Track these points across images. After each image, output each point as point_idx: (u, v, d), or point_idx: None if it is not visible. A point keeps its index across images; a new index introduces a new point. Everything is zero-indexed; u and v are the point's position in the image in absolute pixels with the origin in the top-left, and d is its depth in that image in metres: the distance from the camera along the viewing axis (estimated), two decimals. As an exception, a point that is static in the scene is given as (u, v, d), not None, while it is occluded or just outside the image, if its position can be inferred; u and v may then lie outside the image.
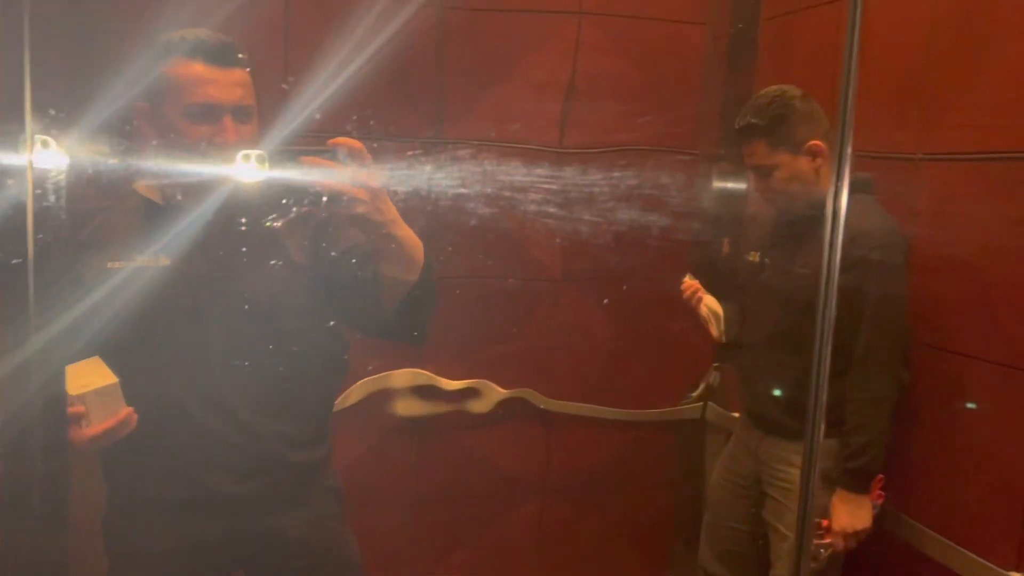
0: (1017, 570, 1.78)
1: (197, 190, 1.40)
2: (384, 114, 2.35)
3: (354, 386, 2.46)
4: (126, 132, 1.41)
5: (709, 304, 2.19)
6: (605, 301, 2.69)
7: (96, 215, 1.45)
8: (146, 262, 1.41)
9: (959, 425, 1.94)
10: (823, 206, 1.98)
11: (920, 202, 2.04)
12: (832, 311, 0.88)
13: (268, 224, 1.45)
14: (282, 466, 1.52)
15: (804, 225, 2.03)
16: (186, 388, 1.43)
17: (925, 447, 2.04)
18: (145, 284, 1.40)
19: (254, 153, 1.25)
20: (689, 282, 2.23)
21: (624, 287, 2.66)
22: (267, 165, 1.24)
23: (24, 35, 0.86)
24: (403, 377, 2.54)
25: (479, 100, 2.50)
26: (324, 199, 1.26)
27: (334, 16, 2.23)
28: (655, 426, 2.81)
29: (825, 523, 1.97)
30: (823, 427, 0.97)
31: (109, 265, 1.40)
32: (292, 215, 1.43)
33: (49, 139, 1.05)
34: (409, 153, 2.40)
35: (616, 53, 2.57)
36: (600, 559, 2.86)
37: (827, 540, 1.96)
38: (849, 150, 0.84)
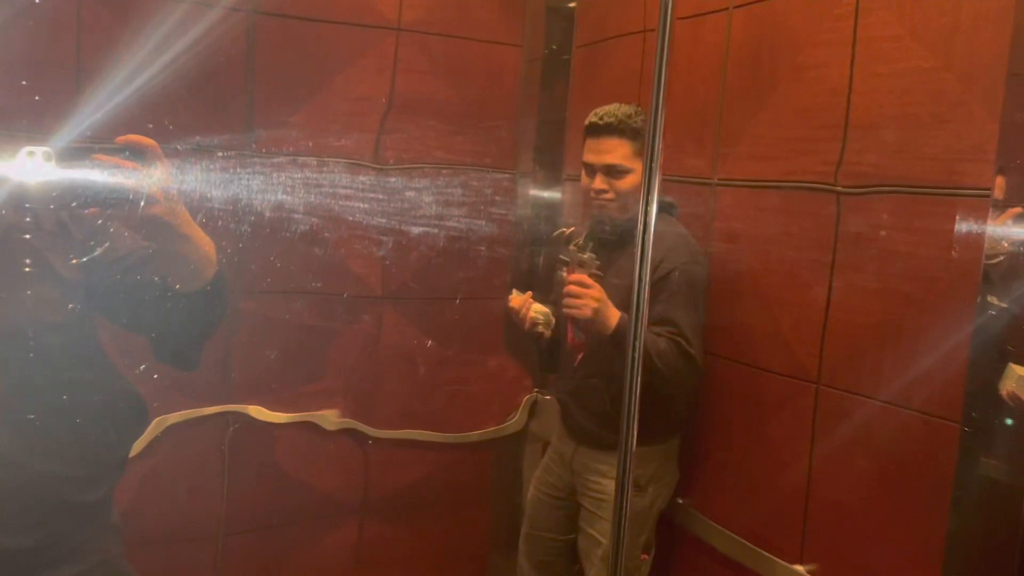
0: (800, 562, 1.95)
1: (49, 194, 1.22)
2: (188, 120, 2.25)
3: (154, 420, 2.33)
4: None
5: (538, 309, 2.23)
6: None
7: None
8: None
9: (750, 431, 2.10)
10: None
11: (715, 224, 2.20)
12: (643, 325, 0.93)
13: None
14: (65, 512, 1.38)
15: (618, 239, 2.12)
16: None
17: (720, 452, 2.19)
18: None
19: (39, 150, 1.13)
20: (517, 297, 2.25)
21: (456, 302, 2.67)
22: (54, 162, 1.14)
23: None
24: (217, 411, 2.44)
25: (294, 111, 2.44)
26: (116, 200, 1.18)
27: (130, 17, 2.12)
28: (472, 442, 2.84)
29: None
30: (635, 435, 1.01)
31: None
32: (79, 219, 1.32)
33: None
34: (218, 161, 2.31)
35: (433, 71, 2.59)
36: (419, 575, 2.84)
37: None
38: (659, 171, 0.90)
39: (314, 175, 2.40)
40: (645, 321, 0.95)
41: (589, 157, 2.09)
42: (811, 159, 1.92)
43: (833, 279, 1.87)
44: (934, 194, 1.65)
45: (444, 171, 2.59)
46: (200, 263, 1.32)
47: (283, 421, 2.53)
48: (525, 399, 2.88)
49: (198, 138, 2.27)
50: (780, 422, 2.01)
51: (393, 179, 2.52)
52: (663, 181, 2.17)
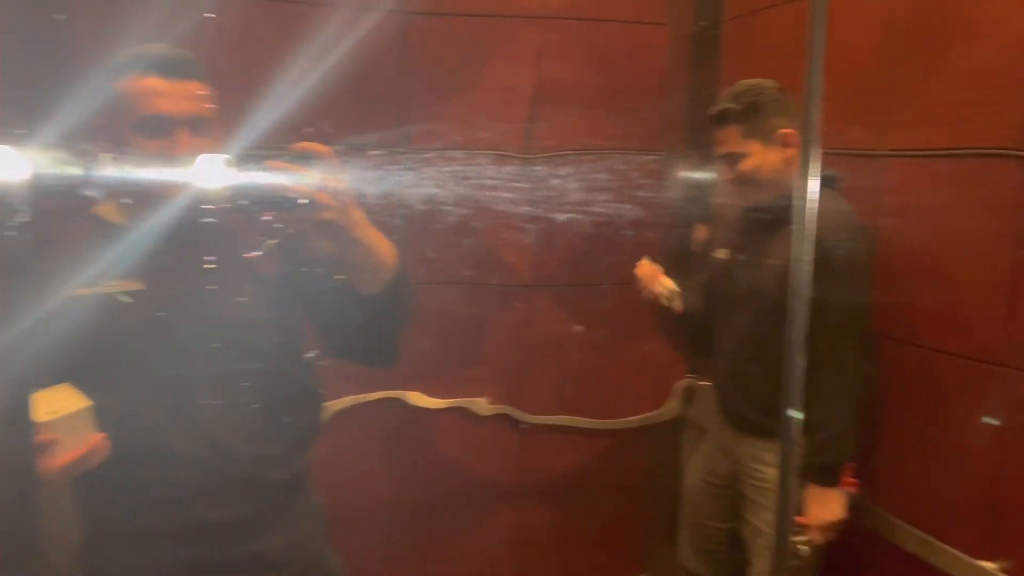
0: (991, 559, 1.80)
1: (158, 207, 1.32)
2: (346, 121, 2.33)
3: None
4: (84, 152, 1.35)
5: (664, 283, 2.18)
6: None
7: (58, 241, 1.41)
8: (113, 287, 1.36)
9: (928, 417, 1.96)
10: (792, 197, 2.00)
11: (884, 197, 2.07)
12: (804, 307, 0.87)
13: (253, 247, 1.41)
14: (262, 488, 1.48)
15: (771, 218, 2.04)
16: (161, 415, 1.38)
17: (896, 441, 2.06)
18: (114, 309, 1.35)
19: (218, 157, 1.20)
20: (646, 266, 2.21)
21: (602, 288, 2.66)
22: (232, 168, 1.19)
23: None
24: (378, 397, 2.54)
25: (443, 106, 2.49)
26: (291, 205, 1.22)
27: (293, 26, 2.21)
28: (626, 429, 2.81)
29: (801, 520, 1.98)
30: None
31: (78, 292, 1.34)
32: (260, 224, 1.40)
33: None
34: (373, 159, 2.38)
35: (579, 57, 2.57)
36: (577, 561, 2.85)
37: (805, 537, 1.97)
38: (818, 144, 0.84)
39: (463, 167, 2.43)
40: (806, 310, 0.89)
41: (717, 149, 2.09)
42: (989, 123, 1.76)
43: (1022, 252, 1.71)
44: None
45: (591, 157, 2.57)
46: (375, 267, 1.36)
47: (440, 407, 2.60)
48: (679, 385, 2.82)
49: (354, 138, 2.35)
50: (962, 408, 1.86)
51: (540, 167, 2.52)
52: (825, 154, 2.07)
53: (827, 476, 1.95)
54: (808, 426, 1.92)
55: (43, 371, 1.26)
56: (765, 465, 2.08)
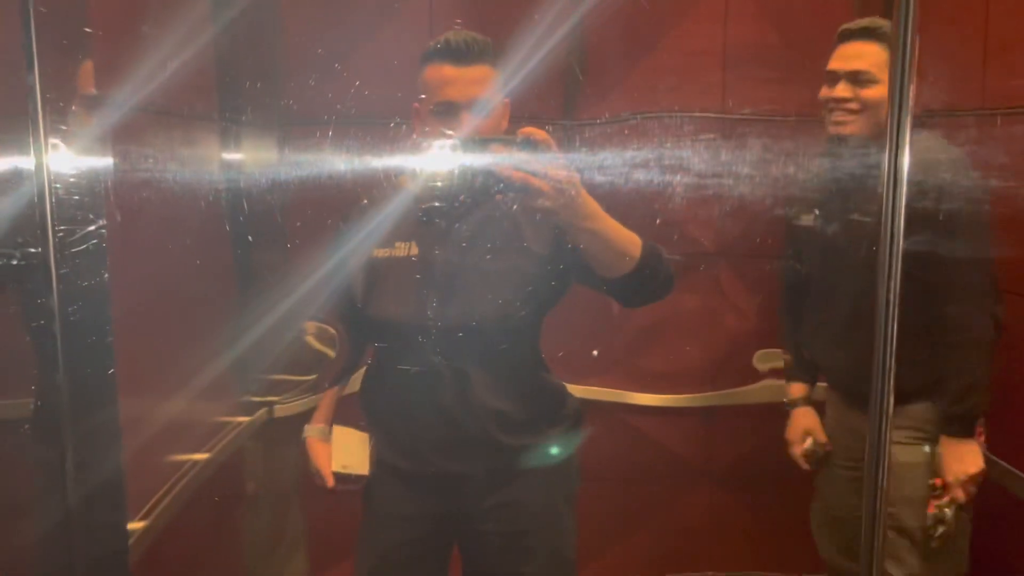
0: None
1: (451, 181, 1.40)
2: (539, 92, 2.31)
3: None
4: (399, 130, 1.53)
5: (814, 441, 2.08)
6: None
7: (363, 205, 1.57)
8: (402, 250, 1.54)
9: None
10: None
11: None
12: (897, 279, 0.83)
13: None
14: (495, 448, 1.56)
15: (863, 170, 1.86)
16: (417, 370, 1.53)
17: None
18: (399, 268, 1.53)
19: (447, 142, 1.33)
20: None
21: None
22: (458, 152, 1.31)
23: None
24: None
25: (628, 71, 2.43)
26: (512, 190, 1.28)
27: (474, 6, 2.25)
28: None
29: (939, 481, 1.88)
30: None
31: (375, 254, 1.54)
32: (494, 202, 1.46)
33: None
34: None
35: (762, 18, 2.43)
36: (770, 544, 2.69)
37: (946, 498, 1.85)
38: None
39: (645, 135, 2.38)
40: (899, 277, 0.84)
41: (835, 64, 1.83)
42: None
43: None
44: None
45: (763, 122, 2.44)
46: (613, 257, 1.36)
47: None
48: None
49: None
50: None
51: (729, 132, 2.41)
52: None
53: (964, 427, 1.81)
54: (942, 376, 1.82)
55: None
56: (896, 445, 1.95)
